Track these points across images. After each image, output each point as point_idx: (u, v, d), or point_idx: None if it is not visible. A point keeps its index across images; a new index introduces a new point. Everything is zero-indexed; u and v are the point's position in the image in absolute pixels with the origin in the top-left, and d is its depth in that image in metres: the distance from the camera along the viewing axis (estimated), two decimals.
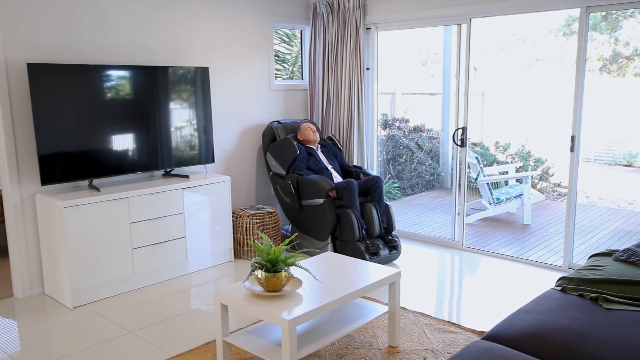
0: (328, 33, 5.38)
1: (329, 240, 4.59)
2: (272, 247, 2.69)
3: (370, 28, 5.32)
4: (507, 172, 6.99)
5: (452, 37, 8.05)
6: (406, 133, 8.42)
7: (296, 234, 3.20)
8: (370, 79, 5.43)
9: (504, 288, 4.04)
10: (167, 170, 4.51)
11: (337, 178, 4.84)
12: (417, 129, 8.43)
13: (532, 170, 7.75)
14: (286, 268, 2.68)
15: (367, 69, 5.42)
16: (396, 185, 7.76)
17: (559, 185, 7.96)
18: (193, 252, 4.38)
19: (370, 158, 5.56)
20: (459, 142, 4.86)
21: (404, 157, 8.10)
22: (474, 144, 8.51)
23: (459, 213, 5.03)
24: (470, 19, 4.62)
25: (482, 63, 11.36)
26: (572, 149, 4.22)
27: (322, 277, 2.96)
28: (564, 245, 4.42)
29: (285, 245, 2.76)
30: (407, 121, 8.91)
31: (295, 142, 4.84)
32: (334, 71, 5.40)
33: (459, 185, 5.02)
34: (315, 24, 5.45)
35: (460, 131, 4.84)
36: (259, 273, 2.68)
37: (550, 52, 13.62)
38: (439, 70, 9.03)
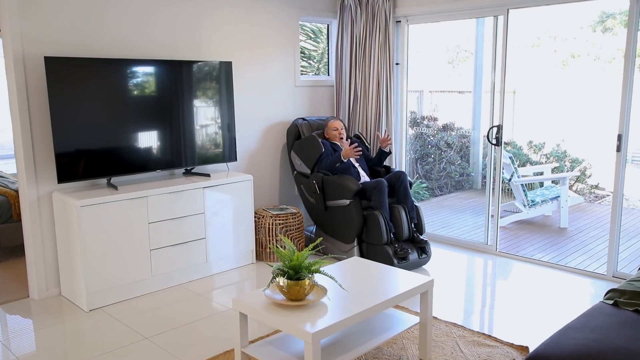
0: (356, 27, 5.16)
1: (355, 243, 4.38)
2: (295, 253, 2.50)
3: (400, 21, 5.08)
4: (542, 173, 6.67)
5: (485, 31, 7.75)
6: (435, 131, 8.15)
7: (321, 238, 3.00)
8: (399, 75, 5.20)
9: (543, 297, 3.76)
10: (188, 168, 4.36)
11: (364, 177, 4.62)
12: (446, 128, 8.15)
13: (568, 171, 7.40)
14: (310, 275, 2.49)
15: (397, 64, 5.18)
16: (424, 185, 7.50)
17: (596, 186, 7.59)
18: (214, 253, 4.22)
19: (398, 157, 5.33)
20: (493, 141, 4.59)
21: (432, 156, 7.83)
22: (506, 143, 8.20)
23: (492, 216, 4.77)
24: (507, 9, 4.34)
25: (513, 60, 10.99)
26: (618, 149, 3.93)
27: (349, 285, 2.75)
28: (609, 252, 4.12)
29: (310, 250, 2.56)
30: (435, 119, 8.65)
31: (320, 140, 4.64)
32: (362, 66, 5.18)
33: (493, 186, 4.74)
34: (343, 17, 5.24)
35: (495, 129, 4.57)
36: (281, 280, 2.48)
37: (585, 48, 13.15)
38: (470, 66, 8.71)
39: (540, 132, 8.67)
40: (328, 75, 5.66)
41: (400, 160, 5.35)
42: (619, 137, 3.90)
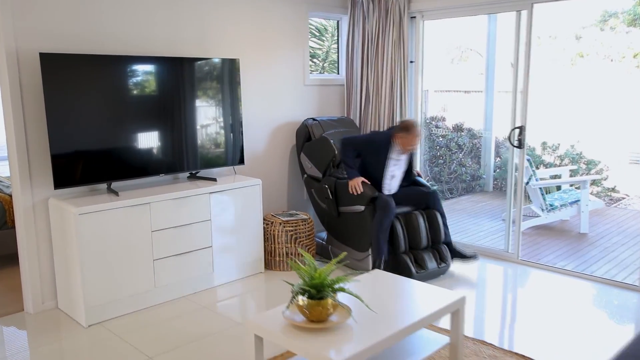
0: (368, 23, 4.92)
1: (370, 251, 4.13)
2: (316, 270, 2.25)
3: (415, 17, 4.83)
4: (559, 176, 6.40)
5: (497, 28, 7.50)
6: (444, 132, 7.92)
7: (345, 253, 2.75)
8: (413, 73, 4.95)
9: (573, 310, 3.52)
10: (193, 172, 4.11)
11: (389, 186, 4.26)
12: (457, 128, 7.91)
13: (584, 174, 7.15)
14: (333, 294, 2.24)
15: (411, 61, 4.94)
16: (435, 188, 7.25)
17: (613, 189, 7.35)
18: (220, 263, 3.97)
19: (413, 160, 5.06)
20: (515, 143, 4.34)
21: (442, 158, 7.59)
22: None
23: (513, 221, 4.52)
24: (532, 4, 4.10)
25: (520, 59, 10.73)
26: None
27: (373, 304, 2.51)
28: None
29: (333, 266, 2.32)
30: (443, 119, 8.43)
31: (332, 141, 4.39)
32: (374, 64, 4.94)
33: (515, 189, 4.49)
34: (354, 13, 4.99)
35: (517, 131, 4.32)
36: (301, 300, 2.24)
37: (594, 47, 12.92)
38: (480, 65, 8.46)
39: (551, 133, 8.43)
40: (338, 73, 5.41)
41: (415, 163, 5.09)
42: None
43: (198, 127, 3.98)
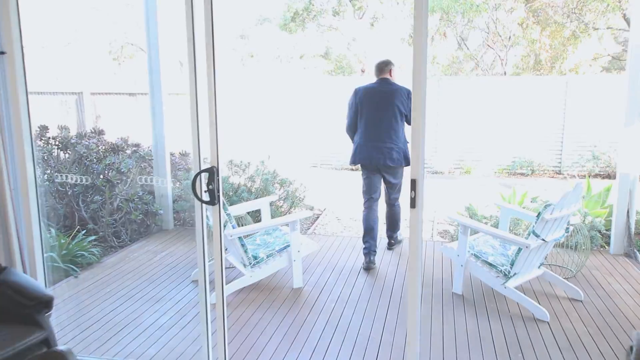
0: None
1: None
2: None
3: None
4: (259, 213, 4.94)
5: (158, 15, 5.64)
6: (102, 153, 5.73)
7: None
8: (7, 70, 2.69)
9: None
10: None
11: None
12: (117, 149, 5.81)
13: (294, 207, 5.92)
14: None
15: (2, 53, 2.67)
16: (92, 238, 5.02)
17: (312, 208, 6.40)
18: None
19: (20, 207, 2.81)
20: (205, 197, 2.55)
21: (101, 191, 5.39)
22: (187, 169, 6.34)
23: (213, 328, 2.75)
24: None
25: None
26: (413, 205, 2.36)
27: None
28: None
29: None
30: (101, 133, 6.26)
31: None
32: None
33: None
34: None
35: (204, 177, 2.53)
36: None
37: (265, 47, 12.41)
38: (142, 62, 6.49)
39: (232, 146, 7.13)
40: None
41: (26, 228, 2.84)
42: (413, 184, 2.34)
43: None
